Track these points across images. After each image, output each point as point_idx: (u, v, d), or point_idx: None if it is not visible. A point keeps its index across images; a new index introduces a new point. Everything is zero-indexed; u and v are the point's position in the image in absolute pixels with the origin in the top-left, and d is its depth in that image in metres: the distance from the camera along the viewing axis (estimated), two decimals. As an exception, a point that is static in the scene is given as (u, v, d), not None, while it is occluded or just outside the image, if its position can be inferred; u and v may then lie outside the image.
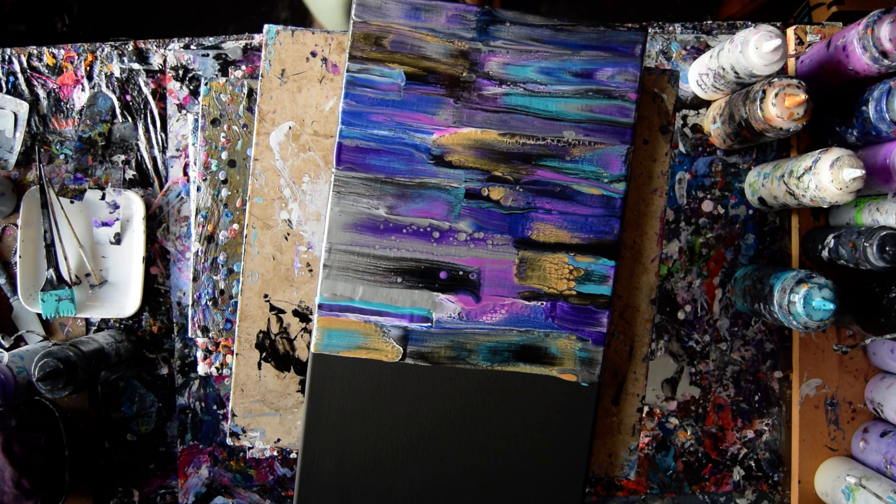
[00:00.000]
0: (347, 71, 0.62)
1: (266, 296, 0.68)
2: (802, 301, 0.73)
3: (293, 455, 0.88)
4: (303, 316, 0.68)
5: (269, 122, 0.67)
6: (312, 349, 0.63)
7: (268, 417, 0.69)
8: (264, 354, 0.68)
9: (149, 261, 0.87)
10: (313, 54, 0.67)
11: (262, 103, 0.67)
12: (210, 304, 0.75)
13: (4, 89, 0.87)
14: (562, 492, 0.64)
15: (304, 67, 0.67)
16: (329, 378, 0.63)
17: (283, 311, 0.68)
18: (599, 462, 0.70)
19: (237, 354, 0.68)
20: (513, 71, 0.63)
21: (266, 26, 0.67)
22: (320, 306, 0.63)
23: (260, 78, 0.67)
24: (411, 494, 0.64)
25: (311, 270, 0.68)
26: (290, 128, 0.67)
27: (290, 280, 0.68)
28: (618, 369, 0.69)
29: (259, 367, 0.68)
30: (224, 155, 0.75)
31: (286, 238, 0.68)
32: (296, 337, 0.68)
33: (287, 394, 0.69)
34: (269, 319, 0.68)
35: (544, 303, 0.64)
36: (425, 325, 0.63)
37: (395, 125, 0.63)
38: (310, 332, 0.68)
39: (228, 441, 0.68)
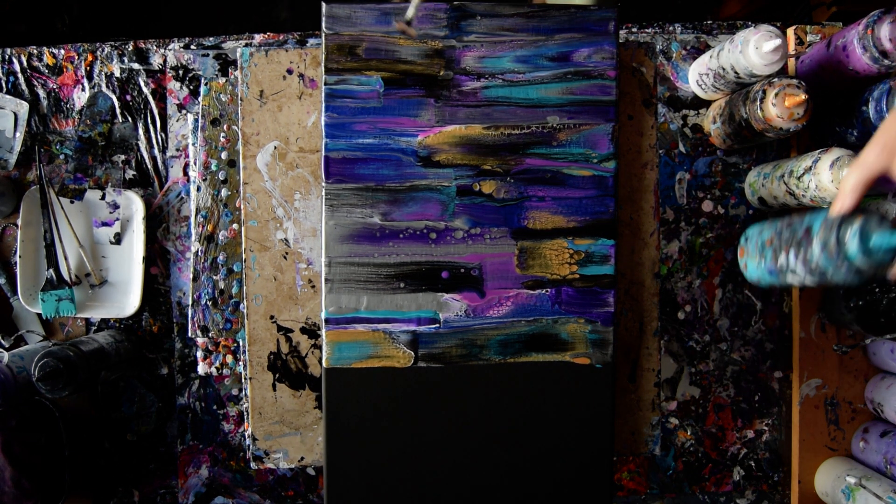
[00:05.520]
0: (325, 84, 0.62)
1: (272, 317, 0.68)
2: (858, 235, 0.55)
3: (293, 455, 0.88)
4: (311, 332, 0.68)
5: (254, 144, 0.67)
6: (324, 364, 0.63)
7: (289, 437, 0.69)
8: (277, 375, 0.68)
9: (149, 261, 0.87)
10: (289, 72, 0.67)
11: (245, 126, 0.67)
12: (210, 304, 0.75)
13: (4, 89, 0.87)
14: (590, 475, 0.65)
15: (282, 86, 0.67)
16: (344, 391, 0.63)
17: (290, 331, 0.68)
18: (623, 441, 0.70)
19: (250, 379, 0.68)
20: (489, 63, 0.63)
21: (239, 49, 0.67)
22: (327, 321, 0.63)
23: (239, 102, 0.67)
24: (439, 494, 0.64)
25: (313, 286, 0.68)
26: (275, 148, 0.67)
27: (293, 298, 0.68)
28: (630, 347, 0.69)
29: (274, 389, 0.68)
30: (224, 155, 0.75)
31: (285, 257, 0.68)
32: (306, 354, 0.68)
33: (305, 411, 0.69)
34: (277, 340, 0.68)
35: (549, 290, 0.64)
36: (433, 326, 0.63)
37: (379, 132, 0.63)
38: (320, 348, 0.68)
39: (253, 465, 0.68)
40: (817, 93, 0.80)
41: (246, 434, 0.87)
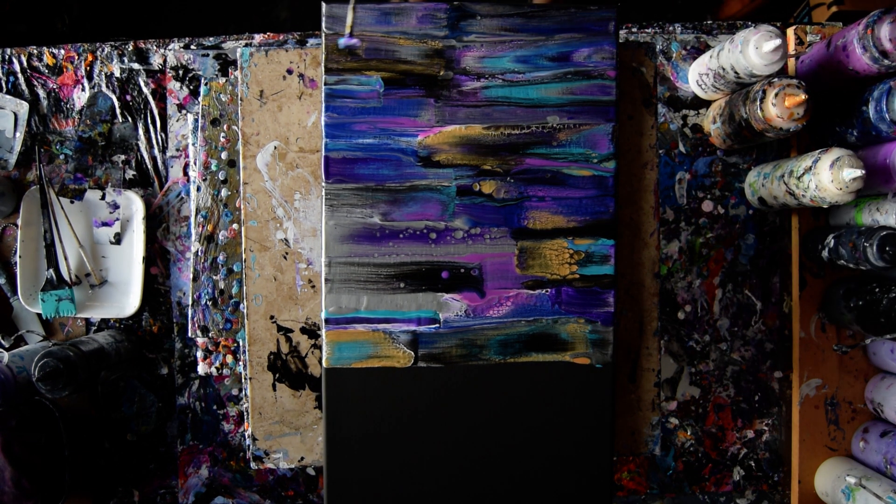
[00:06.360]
0: (325, 84, 0.62)
1: (272, 317, 0.68)
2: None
3: (293, 455, 0.88)
4: (311, 332, 0.68)
5: (254, 144, 0.67)
6: (324, 364, 0.63)
7: (289, 437, 0.69)
8: (277, 375, 0.69)
9: (149, 261, 0.87)
10: (289, 72, 0.68)
11: (245, 126, 0.67)
12: (210, 304, 0.75)
13: (4, 89, 0.87)
14: (590, 475, 0.65)
15: (282, 86, 0.68)
16: (344, 391, 0.63)
17: (290, 331, 0.68)
18: (623, 441, 0.70)
19: (250, 379, 0.68)
20: (489, 63, 0.63)
21: (239, 49, 0.67)
22: (327, 321, 0.63)
23: (239, 102, 0.67)
24: (440, 493, 0.64)
25: (313, 286, 0.68)
26: (275, 147, 0.67)
27: (293, 299, 0.68)
28: (630, 346, 0.69)
29: (274, 389, 0.69)
30: (224, 155, 0.75)
31: (285, 257, 0.68)
32: (306, 354, 0.69)
33: (305, 411, 0.69)
34: (277, 340, 0.68)
35: (549, 290, 0.64)
36: (433, 326, 0.63)
37: (379, 132, 0.63)
38: (320, 348, 0.68)
39: (253, 465, 0.68)
40: (817, 93, 0.80)
41: (246, 434, 0.87)
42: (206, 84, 0.75)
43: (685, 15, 1.71)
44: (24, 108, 0.87)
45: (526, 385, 0.64)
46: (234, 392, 0.87)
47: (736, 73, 0.76)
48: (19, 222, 0.84)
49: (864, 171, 0.69)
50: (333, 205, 0.63)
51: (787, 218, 0.88)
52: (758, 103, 0.74)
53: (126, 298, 0.87)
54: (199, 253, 0.75)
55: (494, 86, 0.63)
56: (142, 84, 0.88)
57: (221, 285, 0.75)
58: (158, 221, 0.88)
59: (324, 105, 0.62)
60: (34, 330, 0.87)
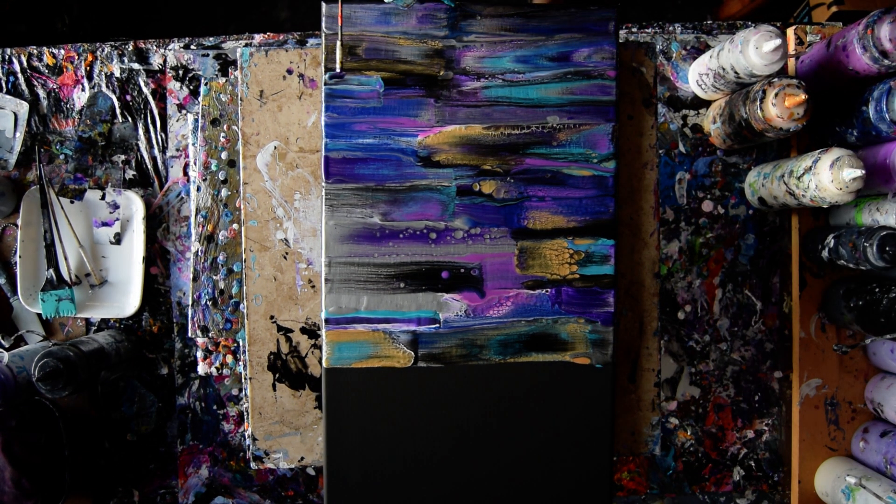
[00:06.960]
0: (325, 84, 0.62)
1: (272, 317, 0.68)
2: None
3: (293, 455, 0.87)
4: (311, 332, 0.68)
5: (254, 144, 0.67)
6: (324, 364, 0.63)
7: (289, 437, 0.69)
8: (277, 375, 0.69)
9: (149, 261, 0.87)
10: (289, 72, 0.68)
11: (245, 127, 0.67)
12: (210, 304, 0.75)
13: (4, 89, 0.87)
14: (590, 475, 0.65)
15: (282, 86, 0.68)
16: (344, 391, 0.63)
17: (290, 331, 0.68)
18: (623, 441, 0.70)
19: (250, 379, 0.68)
20: (489, 63, 0.63)
21: (239, 49, 0.67)
22: (327, 321, 0.63)
23: (239, 102, 0.67)
24: (440, 493, 0.64)
25: (313, 286, 0.68)
26: (275, 147, 0.67)
27: (293, 299, 0.68)
28: (630, 346, 0.69)
29: (274, 389, 0.69)
30: (224, 155, 0.75)
31: (285, 257, 0.68)
32: (306, 354, 0.69)
33: (305, 411, 0.69)
34: (277, 340, 0.68)
35: (549, 290, 0.64)
36: (433, 326, 0.63)
37: (379, 132, 0.63)
38: (320, 348, 0.68)
39: (253, 465, 0.68)
40: (817, 93, 0.80)
41: (246, 434, 0.87)
42: (206, 84, 0.75)
43: (685, 15, 1.71)
44: (24, 108, 0.87)
45: (526, 385, 0.64)
46: (234, 392, 0.87)
47: (736, 73, 0.76)
48: (19, 222, 0.84)
49: (864, 171, 0.69)
50: (333, 205, 0.63)
51: (787, 218, 0.88)
52: (758, 103, 0.74)
53: (126, 298, 0.87)
54: (199, 253, 0.75)
55: (494, 86, 0.63)
56: (142, 84, 0.88)
57: (221, 285, 0.75)
58: (158, 221, 0.88)
59: (324, 105, 0.62)
60: (34, 330, 0.87)
